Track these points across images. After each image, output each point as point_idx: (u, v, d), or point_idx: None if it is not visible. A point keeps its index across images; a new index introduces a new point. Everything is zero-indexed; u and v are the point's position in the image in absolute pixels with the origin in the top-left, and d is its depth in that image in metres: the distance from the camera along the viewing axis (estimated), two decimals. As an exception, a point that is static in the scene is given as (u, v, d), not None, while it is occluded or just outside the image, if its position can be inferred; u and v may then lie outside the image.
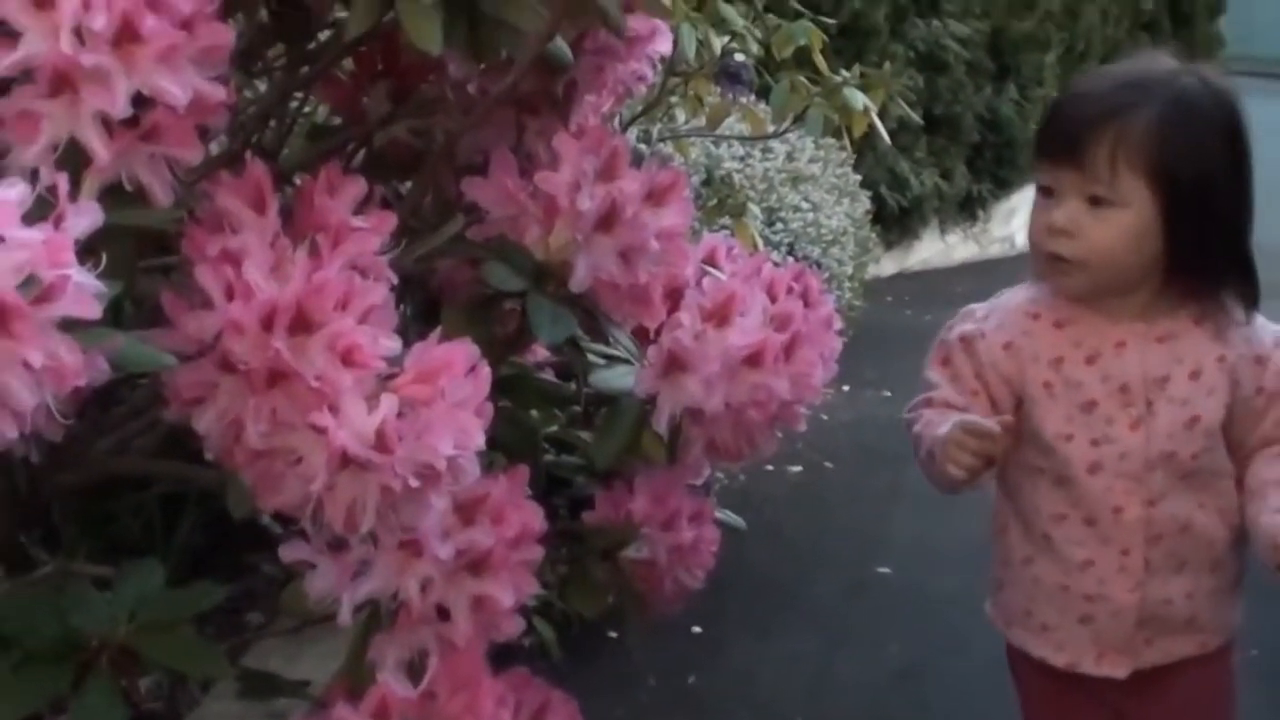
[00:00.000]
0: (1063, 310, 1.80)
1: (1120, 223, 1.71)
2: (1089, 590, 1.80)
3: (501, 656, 1.44)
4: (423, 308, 1.65)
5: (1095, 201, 1.72)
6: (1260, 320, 1.81)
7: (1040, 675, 1.89)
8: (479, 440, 1.25)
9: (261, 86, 1.72)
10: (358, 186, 1.35)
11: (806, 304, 1.61)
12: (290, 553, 1.34)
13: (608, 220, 1.47)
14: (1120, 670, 1.83)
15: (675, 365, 1.53)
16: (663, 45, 1.67)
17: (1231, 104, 1.78)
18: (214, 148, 1.41)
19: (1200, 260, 1.75)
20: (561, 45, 1.51)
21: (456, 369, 1.24)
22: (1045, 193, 1.77)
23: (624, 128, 3.17)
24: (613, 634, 2.90)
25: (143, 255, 1.32)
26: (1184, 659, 1.84)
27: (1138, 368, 1.77)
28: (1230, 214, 1.77)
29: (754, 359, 1.53)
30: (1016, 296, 1.85)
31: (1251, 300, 1.81)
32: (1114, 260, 1.73)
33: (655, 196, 1.51)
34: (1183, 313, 1.78)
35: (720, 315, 1.54)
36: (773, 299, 1.59)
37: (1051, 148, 1.77)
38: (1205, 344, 1.78)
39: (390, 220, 1.35)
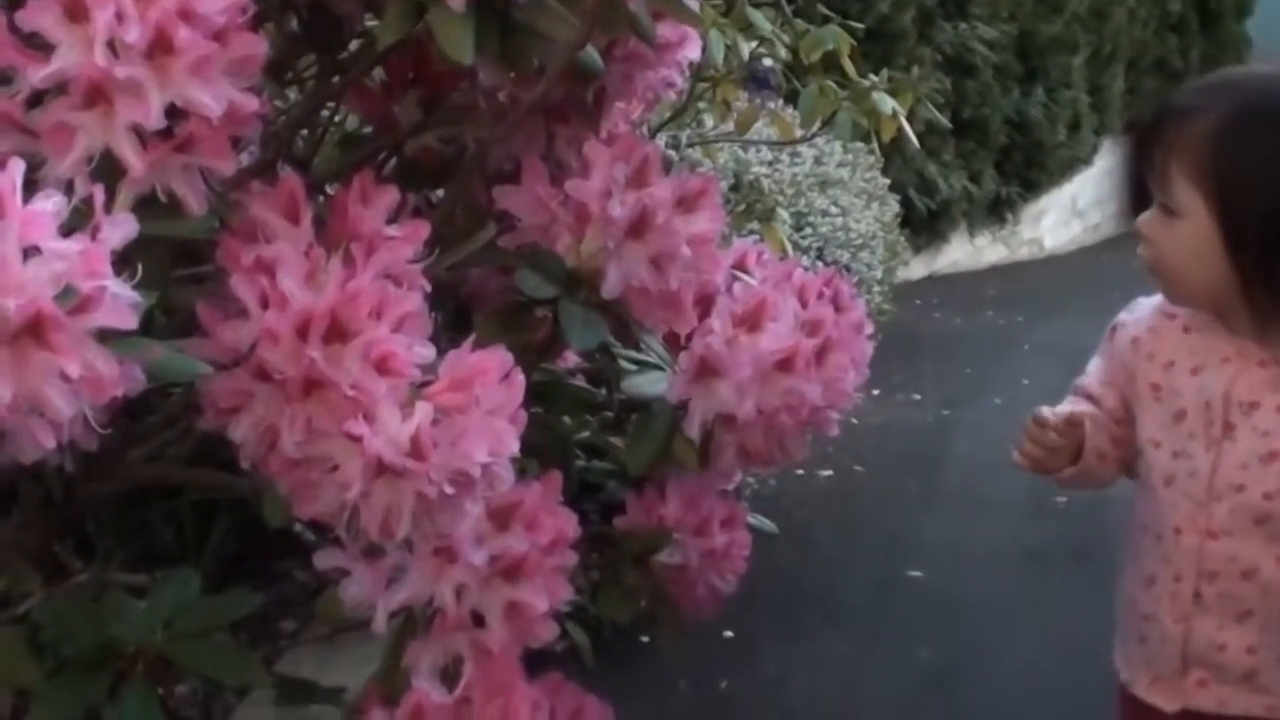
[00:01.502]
0: (1196, 316, 1.69)
1: (1180, 234, 1.61)
2: (1147, 609, 1.72)
3: (535, 661, 1.45)
4: (453, 315, 1.65)
5: (1165, 209, 1.62)
6: None
7: (1120, 686, 1.80)
8: (513, 447, 1.25)
9: (293, 96, 1.72)
10: (391, 195, 1.35)
11: (837, 309, 1.60)
12: (325, 560, 1.35)
13: (639, 227, 1.47)
14: (1168, 704, 1.71)
15: (707, 371, 1.53)
16: (692, 52, 1.67)
17: None
18: (245, 158, 1.41)
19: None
20: (592, 53, 1.51)
21: (490, 376, 1.24)
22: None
23: (652, 133, 3.17)
24: (645, 639, 2.91)
25: (174, 265, 1.33)
26: (1248, 717, 1.68)
27: (1224, 386, 1.64)
28: None
29: (786, 364, 1.53)
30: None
31: None
32: (1182, 272, 1.63)
33: (686, 203, 1.51)
34: None
35: (752, 321, 1.54)
36: (804, 304, 1.59)
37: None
38: None
39: (423, 229, 1.35)
